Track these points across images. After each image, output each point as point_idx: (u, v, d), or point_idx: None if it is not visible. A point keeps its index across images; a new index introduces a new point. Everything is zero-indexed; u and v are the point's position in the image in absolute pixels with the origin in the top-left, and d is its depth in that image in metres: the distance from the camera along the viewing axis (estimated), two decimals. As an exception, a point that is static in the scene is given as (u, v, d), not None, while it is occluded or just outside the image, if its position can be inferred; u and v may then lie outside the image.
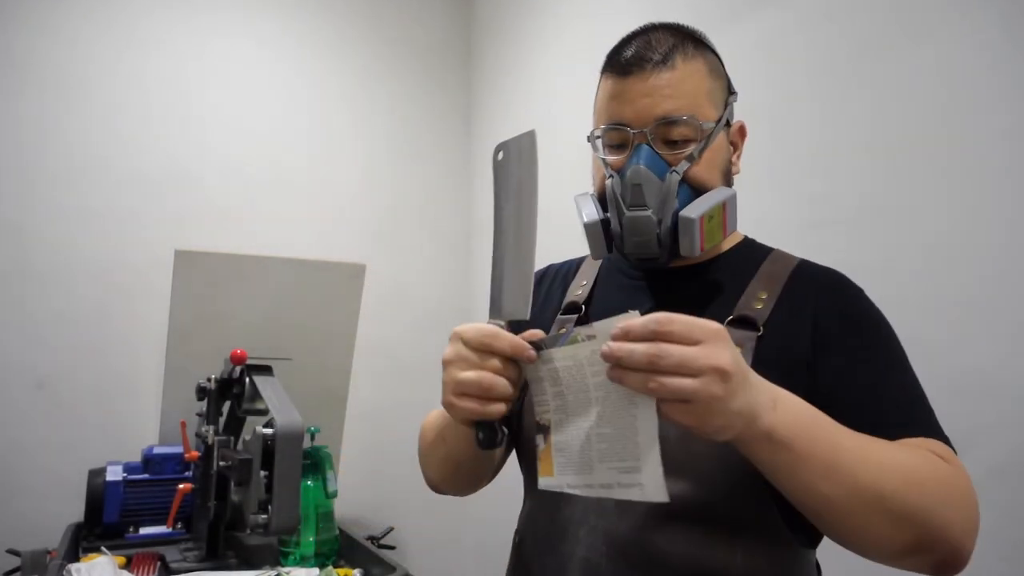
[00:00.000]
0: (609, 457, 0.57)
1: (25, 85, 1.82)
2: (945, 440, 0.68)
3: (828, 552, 0.74)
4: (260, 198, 2.09)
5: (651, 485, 0.54)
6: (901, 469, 0.61)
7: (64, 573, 1.18)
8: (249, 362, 1.35)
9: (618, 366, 0.54)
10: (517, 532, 0.87)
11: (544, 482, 0.63)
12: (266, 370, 1.35)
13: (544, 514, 0.81)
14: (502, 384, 0.61)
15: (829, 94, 1.29)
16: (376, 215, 2.28)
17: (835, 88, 1.28)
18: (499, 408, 0.62)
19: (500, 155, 0.66)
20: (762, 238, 0.86)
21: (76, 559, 1.33)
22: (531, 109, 2.19)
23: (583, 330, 0.58)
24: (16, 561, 1.39)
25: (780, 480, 0.60)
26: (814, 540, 0.76)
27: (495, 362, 0.61)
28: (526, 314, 0.63)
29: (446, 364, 0.64)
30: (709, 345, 0.53)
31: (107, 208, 1.88)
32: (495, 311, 0.67)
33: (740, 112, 0.84)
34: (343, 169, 2.25)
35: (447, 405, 0.64)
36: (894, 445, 0.64)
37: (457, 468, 0.83)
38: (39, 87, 1.83)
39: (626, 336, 0.53)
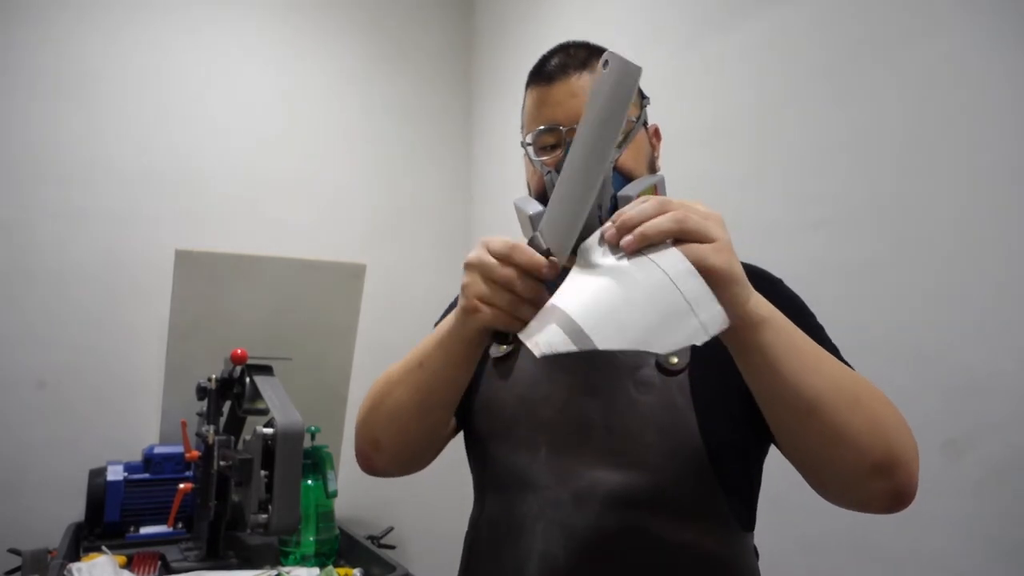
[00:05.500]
0: (652, 320, 0.56)
1: (25, 85, 1.82)
2: None
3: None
4: (261, 198, 2.09)
5: (709, 318, 0.55)
6: (869, 385, 0.65)
7: (65, 572, 1.18)
8: (249, 362, 1.35)
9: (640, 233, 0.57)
10: (469, 533, 0.89)
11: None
12: (266, 370, 1.36)
13: (500, 513, 0.83)
14: (527, 303, 0.63)
15: (830, 93, 1.29)
16: (376, 215, 2.29)
17: (836, 87, 1.28)
18: (523, 324, 0.63)
19: (605, 67, 0.59)
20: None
21: (77, 558, 1.33)
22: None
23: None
24: (17, 560, 1.39)
25: (772, 371, 0.61)
26: (752, 524, 0.81)
27: (513, 273, 0.63)
28: (563, 259, 0.63)
29: (468, 267, 0.66)
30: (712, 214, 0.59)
31: (108, 208, 1.88)
32: (538, 229, 0.65)
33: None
34: (343, 169, 2.25)
35: (470, 309, 0.65)
36: None
37: (423, 404, 0.78)
38: (39, 87, 1.83)
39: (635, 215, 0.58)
